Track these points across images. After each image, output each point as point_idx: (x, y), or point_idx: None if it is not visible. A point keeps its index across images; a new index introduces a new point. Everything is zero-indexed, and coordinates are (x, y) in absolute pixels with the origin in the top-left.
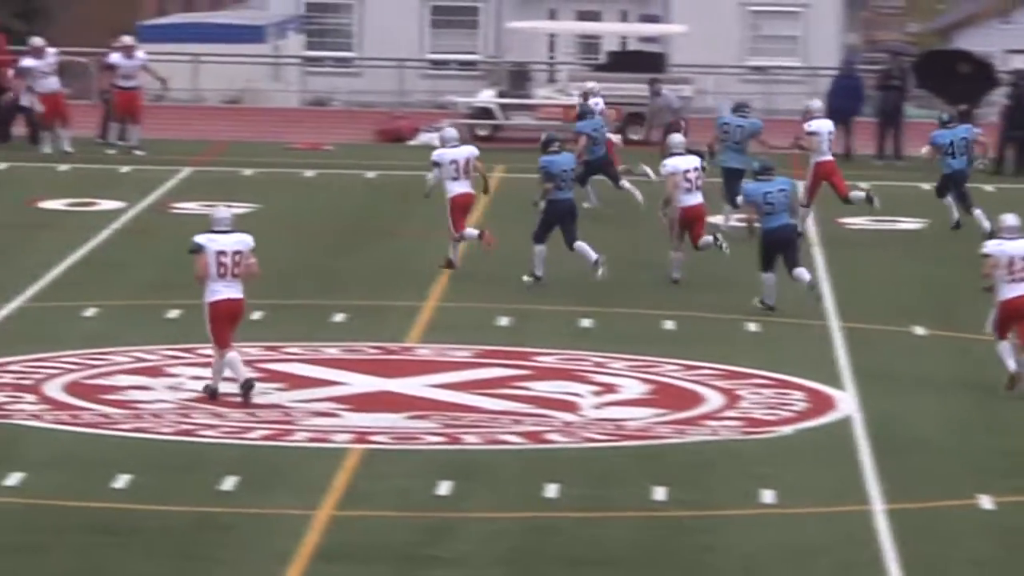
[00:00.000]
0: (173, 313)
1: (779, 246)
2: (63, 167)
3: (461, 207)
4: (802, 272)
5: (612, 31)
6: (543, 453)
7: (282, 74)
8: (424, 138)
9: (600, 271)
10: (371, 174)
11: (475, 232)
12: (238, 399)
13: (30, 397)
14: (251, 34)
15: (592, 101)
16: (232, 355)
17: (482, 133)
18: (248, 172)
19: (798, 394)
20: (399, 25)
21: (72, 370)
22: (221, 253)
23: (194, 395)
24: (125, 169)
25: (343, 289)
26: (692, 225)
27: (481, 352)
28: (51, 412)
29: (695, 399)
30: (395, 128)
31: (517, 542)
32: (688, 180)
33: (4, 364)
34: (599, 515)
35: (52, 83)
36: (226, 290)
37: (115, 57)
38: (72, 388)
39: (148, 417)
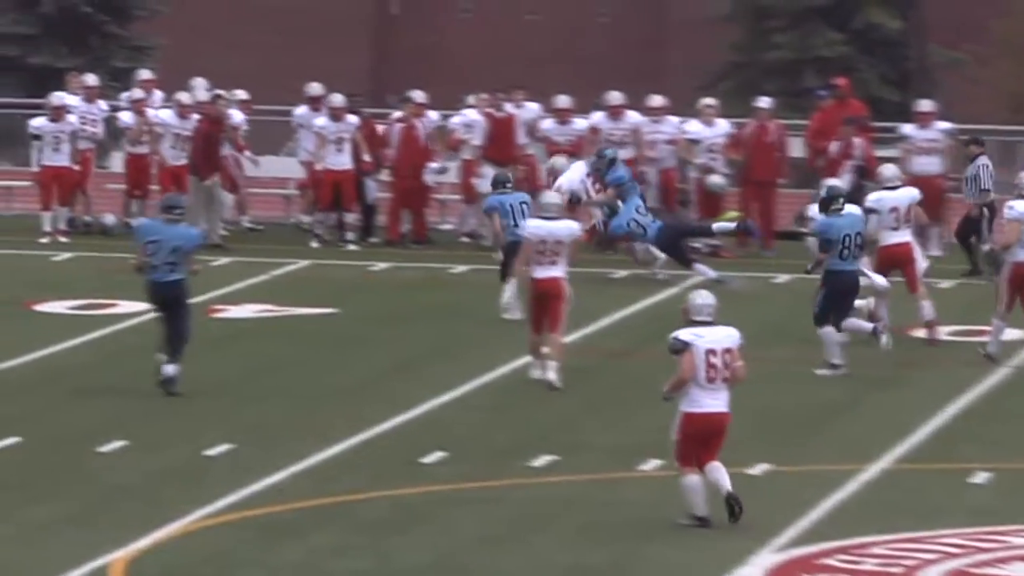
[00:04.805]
0: None
1: None
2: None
3: (892, 260)
4: None
5: None
6: None
7: None
8: None
9: (884, 339)
10: None
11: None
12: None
13: None
14: None
15: None
16: (693, 479)
17: None
18: None
19: None
20: None
21: (954, 555)
22: (711, 352)
23: None
24: None
25: None
26: None
27: None
28: None
29: None
30: None
31: None
32: None
33: (866, 545)
34: None
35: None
36: (711, 401)
37: None
38: None
39: None
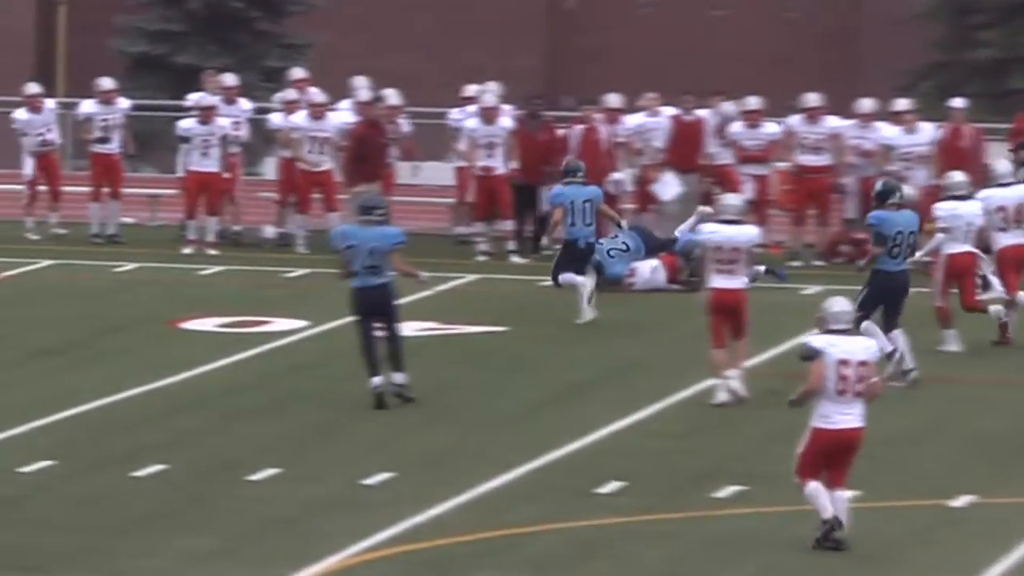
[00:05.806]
0: None
1: None
2: None
3: (1012, 261)
4: None
5: None
6: None
7: None
8: None
9: (913, 374)
10: None
11: None
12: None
13: None
14: None
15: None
16: (814, 484)
17: None
18: None
19: None
20: None
21: None
22: (843, 363)
23: None
24: None
25: None
26: None
27: None
28: None
29: None
30: None
31: None
32: None
33: None
34: None
35: None
36: (843, 417)
37: None
38: None
39: None
